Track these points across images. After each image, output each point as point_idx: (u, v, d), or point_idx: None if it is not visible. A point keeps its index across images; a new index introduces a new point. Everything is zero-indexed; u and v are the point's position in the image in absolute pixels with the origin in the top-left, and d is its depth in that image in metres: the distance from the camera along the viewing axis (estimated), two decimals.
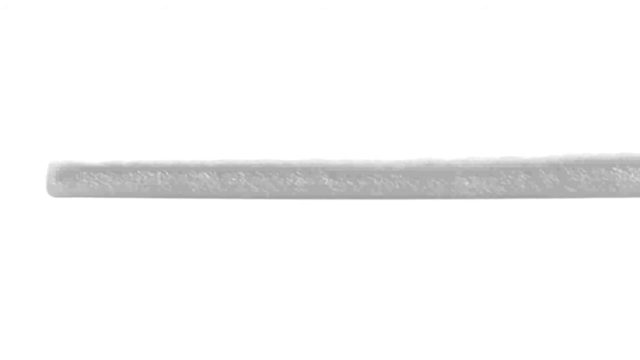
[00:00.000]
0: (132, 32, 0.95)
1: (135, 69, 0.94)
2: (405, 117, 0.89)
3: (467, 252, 0.87)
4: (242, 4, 0.93)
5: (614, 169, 0.84)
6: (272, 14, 0.92)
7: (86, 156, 0.95)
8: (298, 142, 0.91)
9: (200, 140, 0.93)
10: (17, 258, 0.94)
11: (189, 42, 0.94)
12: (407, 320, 0.87)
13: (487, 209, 0.86)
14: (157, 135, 0.94)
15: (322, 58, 0.91)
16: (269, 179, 0.90)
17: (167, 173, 0.92)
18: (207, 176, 0.91)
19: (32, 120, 0.96)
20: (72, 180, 0.94)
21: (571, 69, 0.86)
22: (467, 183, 0.86)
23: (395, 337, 0.88)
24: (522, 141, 0.86)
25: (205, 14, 0.94)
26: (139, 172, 0.93)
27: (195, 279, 0.91)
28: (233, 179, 0.91)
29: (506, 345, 0.86)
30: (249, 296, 0.90)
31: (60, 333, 0.92)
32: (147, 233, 0.93)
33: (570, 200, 0.84)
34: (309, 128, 0.91)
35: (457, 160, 0.87)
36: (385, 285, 0.88)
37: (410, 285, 0.88)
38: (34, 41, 0.96)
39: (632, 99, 0.86)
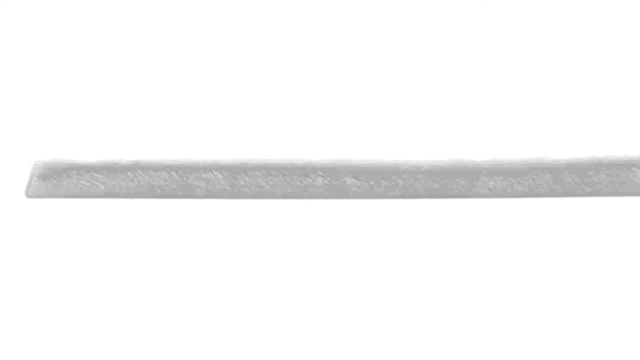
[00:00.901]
0: (129, 21, 0.91)
1: (138, 63, 0.90)
2: (430, 117, 0.90)
3: (484, 252, 0.88)
4: None
5: (633, 169, 0.89)
6: (297, 8, 0.91)
7: (79, 154, 0.89)
8: (320, 141, 0.90)
9: (208, 139, 0.90)
10: None
11: (198, 34, 0.91)
12: (429, 321, 0.88)
13: (507, 207, 0.88)
14: (159, 133, 0.90)
15: (348, 57, 0.91)
16: (284, 179, 0.88)
17: (172, 172, 0.88)
18: (219, 175, 0.88)
19: (22, 115, 0.90)
20: (57, 180, 0.88)
21: (596, 72, 0.91)
22: (491, 183, 0.88)
23: (413, 338, 0.87)
24: (544, 142, 0.90)
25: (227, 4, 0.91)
26: (139, 171, 0.88)
27: (195, 282, 0.88)
28: (247, 178, 0.88)
29: (530, 344, 0.88)
30: (259, 303, 0.88)
31: (30, 340, 0.86)
32: (141, 238, 0.88)
33: (587, 199, 0.88)
34: (331, 128, 0.90)
35: (484, 160, 0.89)
36: (405, 287, 0.88)
37: (430, 287, 0.88)
38: (24, 33, 0.90)
39: None
